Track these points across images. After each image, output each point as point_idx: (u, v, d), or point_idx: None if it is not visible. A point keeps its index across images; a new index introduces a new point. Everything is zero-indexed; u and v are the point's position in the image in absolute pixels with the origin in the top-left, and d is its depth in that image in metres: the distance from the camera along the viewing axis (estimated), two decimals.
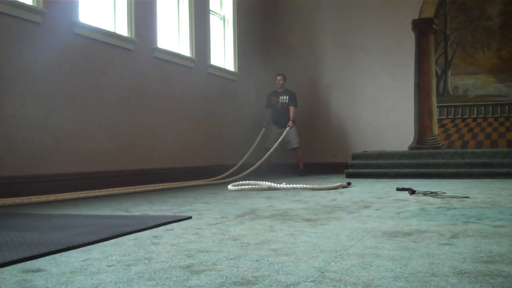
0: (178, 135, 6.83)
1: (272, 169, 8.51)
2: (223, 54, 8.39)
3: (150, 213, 3.28)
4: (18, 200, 3.94)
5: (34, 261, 1.80)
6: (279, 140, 8.04)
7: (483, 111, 8.58)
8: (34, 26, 4.68)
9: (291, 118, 8.24)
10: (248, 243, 2.11)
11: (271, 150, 7.95)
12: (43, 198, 4.13)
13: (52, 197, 4.22)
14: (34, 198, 4.08)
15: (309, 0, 9.41)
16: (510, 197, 3.97)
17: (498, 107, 8.50)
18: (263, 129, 8.36)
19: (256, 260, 1.76)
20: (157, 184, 5.63)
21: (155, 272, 1.61)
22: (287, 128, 8.15)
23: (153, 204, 3.83)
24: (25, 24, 4.59)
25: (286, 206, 3.56)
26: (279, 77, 8.47)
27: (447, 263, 1.67)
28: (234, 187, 5.20)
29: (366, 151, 8.07)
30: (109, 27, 5.77)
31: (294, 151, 8.37)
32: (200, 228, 2.55)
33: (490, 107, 8.55)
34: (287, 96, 8.39)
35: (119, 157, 5.68)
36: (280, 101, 8.42)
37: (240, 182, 5.33)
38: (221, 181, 6.66)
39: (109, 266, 1.72)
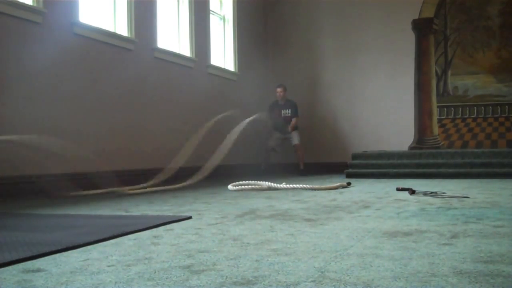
0: (178, 135, 6.82)
1: (272, 169, 8.51)
2: (223, 54, 8.39)
3: (150, 213, 3.28)
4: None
5: (34, 261, 1.80)
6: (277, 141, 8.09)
7: (483, 111, 8.58)
8: (34, 26, 4.68)
9: (291, 125, 8.26)
10: (248, 243, 2.11)
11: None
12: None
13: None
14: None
15: (309, 0, 9.41)
16: (510, 197, 3.97)
17: (498, 107, 8.51)
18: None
19: (256, 260, 1.76)
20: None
21: (155, 272, 1.61)
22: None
23: (153, 204, 3.83)
24: (25, 24, 4.59)
25: (286, 206, 3.56)
26: (279, 89, 8.42)
27: (447, 263, 1.67)
28: (234, 187, 5.20)
29: (366, 151, 8.07)
30: (109, 27, 5.77)
31: (295, 150, 8.37)
32: (200, 228, 2.54)
33: (490, 107, 8.55)
34: (289, 110, 8.38)
35: (119, 156, 5.67)
36: (282, 115, 8.42)
37: (240, 182, 5.32)
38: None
39: (109, 266, 1.72)
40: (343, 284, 1.43)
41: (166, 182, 5.51)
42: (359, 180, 6.63)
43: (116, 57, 5.75)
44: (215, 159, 6.17)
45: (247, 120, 6.77)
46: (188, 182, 5.68)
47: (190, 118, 7.12)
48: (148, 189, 5.09)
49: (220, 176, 7.12)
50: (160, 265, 1.72)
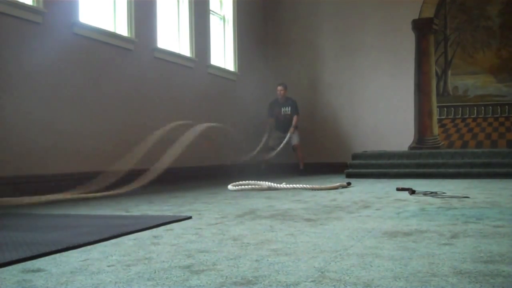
0: (177, 134, 6.81)
1: (272, 169, 8.51)
2: (223, 54, 8.39)
3: (150, 213, 3.28)
4: (18, 200, 3.94)
5: (34, 261, 1.80)
6: (282, 144, 8.09)
7: (483, 111, 8.58)
8: (34, 26, 4.68)
9: (293, 125, 8.26)
10: (248, 243, 2.11)
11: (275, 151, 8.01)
12: (43, 198, 4.12)
13: (51, 197, 4.20)
14: (33, 199, 4.07)
15: (309, 0, 9.41)
16: (510, 197, 3.97)
17: (498, 107, 8.50)
18: (266, 135, 8.25)
19: (256, 260, 1.76)
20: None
21: (155, 272, 1.61)
22: (289, 134, 8.19)
23: (153, 204, 3.83)
24: (25, 24, 4.59)
25: (286, 206, 3.56)
26: (279, 88, 8.42)
27: (447, 263, 1.67)
28: (234, 187, 5.20)
29: (366, 151, 8.07)
30: (109, 27, 5.77)
31: (294, 151, 8.38)
32: (200, 228, 2.55)
33: (490, 107, 8.55)
34: (289, 107, 8.38)
35: (119, 157, 5.66)
36: (282, 113, 8.43)
37: (240, 182, 5.32)
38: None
39: (109, 266, 1.72)
40: (343, 284, 1.43)
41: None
42: (359, 180, 6.63)
43: (116, 57, 5.75)
44: (163, 163, 5.51)
45: (203, 125, 6.17)
46: (130, 187, 5.00)
47: (190, 118, 7.11)
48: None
49: (221, 176, 7.13)
50: (160, 265, 1.72)
